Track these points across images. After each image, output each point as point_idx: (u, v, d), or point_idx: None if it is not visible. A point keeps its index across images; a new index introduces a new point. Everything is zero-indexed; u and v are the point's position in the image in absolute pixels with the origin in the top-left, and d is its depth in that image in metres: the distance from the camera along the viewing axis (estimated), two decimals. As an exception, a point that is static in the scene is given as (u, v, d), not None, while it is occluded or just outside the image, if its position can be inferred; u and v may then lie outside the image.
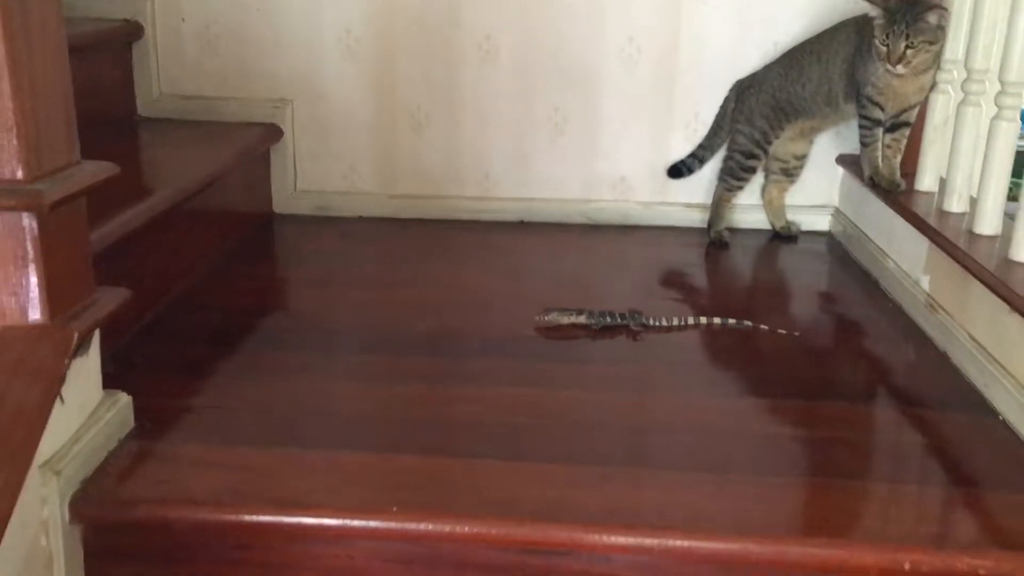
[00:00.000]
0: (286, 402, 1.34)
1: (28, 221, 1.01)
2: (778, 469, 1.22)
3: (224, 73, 2.13)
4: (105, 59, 2.00)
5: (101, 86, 1.99)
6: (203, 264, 1.80)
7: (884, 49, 1.69)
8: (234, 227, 2.02)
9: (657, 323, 1.61)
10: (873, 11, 1.71)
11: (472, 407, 1.35)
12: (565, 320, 1.59)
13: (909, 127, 1.81)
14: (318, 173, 2.19)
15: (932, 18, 1.66)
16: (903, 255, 1.75)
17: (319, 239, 2.10)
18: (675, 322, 1.62)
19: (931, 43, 1.68)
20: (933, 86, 1.77)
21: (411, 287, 1.83)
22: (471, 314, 1.68)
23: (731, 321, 1.62)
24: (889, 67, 1.70)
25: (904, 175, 1.82)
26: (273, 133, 2.12)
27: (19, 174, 1.00)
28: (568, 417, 1.33)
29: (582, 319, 1.59)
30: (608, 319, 1.59)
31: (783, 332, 1.60)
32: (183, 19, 2.10)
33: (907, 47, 1.67)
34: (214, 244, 1.88)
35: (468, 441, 1.26)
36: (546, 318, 1.58)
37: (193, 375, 1.40)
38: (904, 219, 1.72)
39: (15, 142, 0.99)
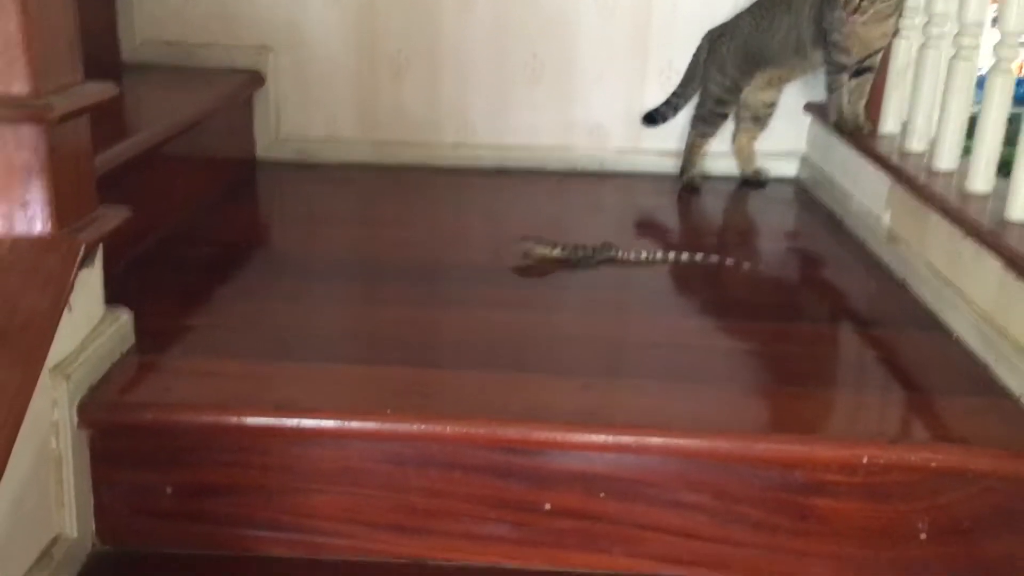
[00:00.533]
0: (278, 322, 1.40)
1: (37, 134, 1.05)
2: (746, 379, 1.30)
3: (206, 19, 2.16)
4: (88, 4, 2.01)
5: (85, 31, 2.00)
6: (190, 204, 1.84)
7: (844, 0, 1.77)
8: (218, 171, 2.06)
9: (627, 256, 1.67)
10: None
11: (456, 327, 1.42)
12: (539, 251, 1.64)
13: (873, 72, 1.89)
14: (300, 120, 2.23)
15: None
16: (866, 194, 1.84)
17: (302, 184, 2.14)
18: (644, 256, 1.68)
19: None
20: (896, 32, 1.84)
21: (392, 226, 1.89)
22: (452, 248, 1.74)
23: (698, 256, 1.69)
24: (847, 16, 1.78)
25: (869, 119, 1.90)
26: (255, 80, 2.16)
27: (27, 89, 1.04)
28: (548, 335, 1.40)
29: (556, 252, 1.64)
30: (581, 252, 1.65)
31: (747, 265, 1.67)
32: (166, -35, 2.13)
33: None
34: (199, 186, 1.92)
35: (453, 355, 1.33)
36: (524, 247, 1.64)
37: (186, 299, 1.46)
38: (868, 159, 1.80)
39: (23, 58, 1.03)
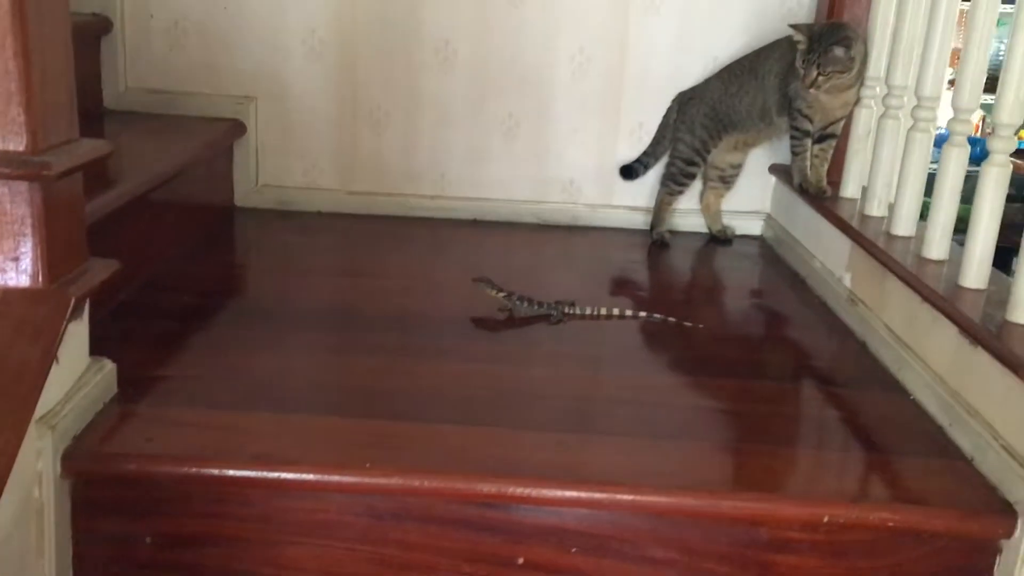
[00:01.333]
0: (257, 372, 1.43)
1: (34, 190, 1.08)
2: (712, 436, 1.35)
3: (190, 69, 2.21)
4: (74, 51, 2.05)
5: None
6: (170, 251, 1.87)
7: (802, 73, 1.86)
8: (197, 218, 2.09)
9: (574, 311, 1.72)
10: (797, 36, 1.87)
11: (431, 378, 1.45)
12: (491, 293, 1.68)
13: (835, 139, 1.97)
14: (280, 169, 2.28)
15: (838, 51, 1.82)
16: (828, 255, 1.91)
17: (280, 232, 2.18)
18: (588, 311, 1.72)
19: (841, 72, 1.84)
20: (857, 101, 1.93)
21: (369, 276, 1.93)
22: (427, 299, 1.78)
23: (642, 313, 1.74)
24: (804, 89, 1.87)
25: (830, 183, 1.98)
26: (237, 128, 2.20)
27: (26, 146, 1.08)
28: (522, 388, 1.44)
29: (500, 296, 1.68)
30: (525, 304, 1.69)
31: (688, 324, 1.71)
32: (151, 15, 2.17)
33: (818, 74, 1.83)
34: (179, 233, 1.95)
35: (429, 408, 1.36)
36: (479, 284, 1.68)
37: (166, 348, 1.48)
38: (830, 222, 1.87)
39: (23, 116, 1.07)
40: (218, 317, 1.65)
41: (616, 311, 1.74)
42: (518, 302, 1.69)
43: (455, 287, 1.84)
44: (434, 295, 1.81)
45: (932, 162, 1.63)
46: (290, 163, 2.28)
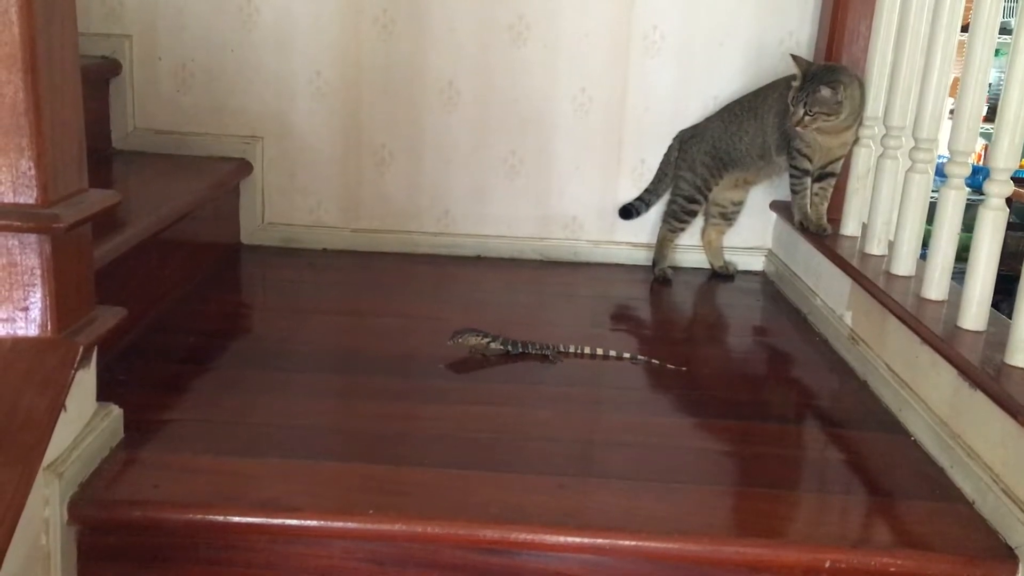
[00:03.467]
0: (262, 415, 1.44)
1: (43, 242, 1.10)
2: (714, 479, 1.35)
3: (197, 110, 2.24)
4: (83, 94, 2.08)
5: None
6: (176, 291, 1.89)
7: (792, 110, 1.89)
8: (204, 257, 2.11)
9: (559, 350, 1.73)
10: (795, 69, 1.91)
11: (434, 422, 1.46)
12: (472, 340, 1.68)
13: (835, 177, 1.99)
14: (285, 206, 2.30)
15: (825, 92, 1.84)
16: (829, 293, 1.92)
17: (285, 269, 2.20)
18: (571, 349, 1.74)
19: (828, 115, 1.86)
20: (856, 140, 1.95)
21: (373, 315, 1.94)
22: (430, 339, 1.78)
23: (626, 354, 1.74)
24: (791, 126, 1.90)
25: (830, 220, 2.00)
26: (243, 168, 2.23)
27: (36, 199, 1.10)
28: (524, 432, 1.45)
29: (486, 341, 1.68)
30: (508, 346, 1.70)
31: (672, 367, 1.70)
32: (160, 58, 2.20)
33: (804, 114, 1.85)
34: (186, 272, 1.97)
35: (432, 452, 1.37)
36: (456, 340, 1.68)
37: (173, 391, 1.49)
38: (830, 260, 1.88)
39: (33, 170, 1.09)
40: (224, 358, 1.66)
41: (600, 351, 1.74)
42: (501, 345, 1.70)
43: (457, 326, 1.85)
44: (437, 334, 1.81)
45: (934, 190, 1.64)
46: (296, 201, 2.30)
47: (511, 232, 2.32)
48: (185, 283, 1.94)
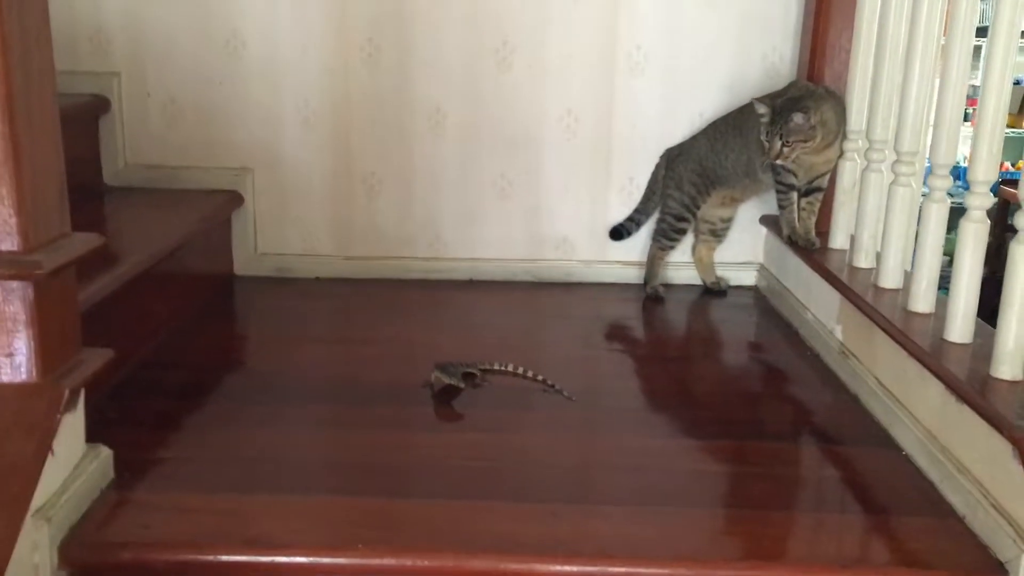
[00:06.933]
0: (252, 451, 1.45)
1: (25, 288, 1.11)
2: (709, 501, 1.35)
3: (187, 144, 2.25)
4: (73, 131, 2.09)
5: (69, 157, 2.05)
6: (168, 326, 1.90)
7: (766, 146, 1.89)
8: (197, 289, 2.12)
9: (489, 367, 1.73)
10: (761, 108, 1.91)
11: (426, 451, 1.47)
12: (442, 379, 1.65)
13: (822, 192, 2.00)
14: (277, 236, 2.31)
15: (797, 118, 1.85)
16: (819, 307, 1.92)
17: (278, 299, 2.21)
18: (496, 366, 1.74)
19: (804, 140, 1.86)
20: (841, 154, 1.96)
21: (365, 343, 1.95)
22: (422, 366, 1.77)
23: (531, 374, 1.72)
24: (770, 160, 1.90)
25: (819, 234, 2.00)
26: (235, 200, 2.24)
27: (17, 246, 1.11)
28: (516, 459, 1.45)
29: (454, 381, 1.64)
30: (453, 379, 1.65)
31: (566, 395, 1.66)
32: (148, 94, 2.22)
33: (783, 145, 1.86)
34: (179, 305, 1.98)
35: (423, 483, 1.37)
36: (432, 375, 1.66)
37: (164, 428, 1.50)
38: (819, 274, 1.89)
39: (14, 217, 1.10)
40: (216, 393, 1.67)
41: (509, 367, 1.73)
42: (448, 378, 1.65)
43: (449, 352, 1.85)
44: (428, 361, 1.81)
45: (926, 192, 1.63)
46: (288, 231, 2.31)
47: (503, 255, 2.33)
48: (178, 316, 1.95)
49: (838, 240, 1.96)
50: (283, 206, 2.30)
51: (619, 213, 2.30)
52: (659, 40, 2.21)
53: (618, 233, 2.27)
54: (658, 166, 2.24)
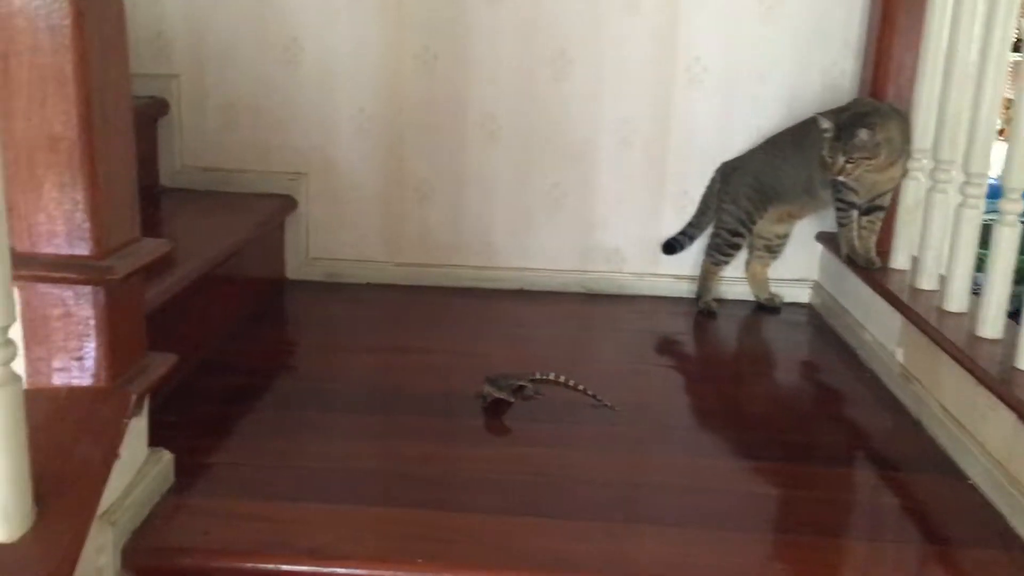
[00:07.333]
0: (307, 458, 1.45)
1: (97, 293, 1.12)
2: (764, 526, 1.33)
3: (243, 147, 2.27)
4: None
5: (129, 158, 2.12)
6: (223, 329, 1.91)
7: (829, 161, 1.85)
8: (250, 292, 2.13)
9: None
10: (825, 123, 1.87)
11: (477, 464, 1.46)
12: (493, 392, 1.64)
13: (883, 211, 1.96)
14: (329, 242, 2.32)
15: (863, 135, 1.81)
16: (879, 328, 1.89)
17: (329, 304, 2.22)
18: (538, 375, 1.72)
19: (869, 158, 1.83)
20: (904, 173, 1.92)
21: (416, 351, 1.94)
22: (472, 376, 1.76)
23: (581, 387, 1.70)
24: (831, 176, 1.86)
25: (879, 253, 1.97)
26: (288, 204, 2.25)
27: (91, 251, 1.12)
28: (567, 474, 1.44)
29: (504, 395, 1.64)
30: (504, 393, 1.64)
31: (608, 405, 1.66)
32: (207, 97, 2.24)
33: (847, 162, 1.82)
34: (232, 308, 1.99)
35: (476, 497, 1.36)
36: (483, 389, 1.65)
37: (220, 433, 1.51)
38: (879, 295, 1.85)
39: (89, 223, 1.11)
40: (268, 399, 1.68)
41: (551, 376, 1.73)
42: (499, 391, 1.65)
43: (500, 363, 1.84)
44: (478, 371, 1.80)
45: (990, 211, 1.60)
46: (339, 236, 2.32)
47: (554, 265, 2.32)
48: (230, 320, 1.96)
49: (899, 260, 1.93)
50: (336, 211, 2.31)
51: (672, 226, 2.28)
52: (718, 52, 2.19)
53: (671, 247, 2.25)
54: (713, 180, 2.21)
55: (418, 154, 2.27)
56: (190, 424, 1.53)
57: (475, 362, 1.89)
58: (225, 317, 1.94)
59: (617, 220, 2.30)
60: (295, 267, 2.32)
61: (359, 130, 2.26)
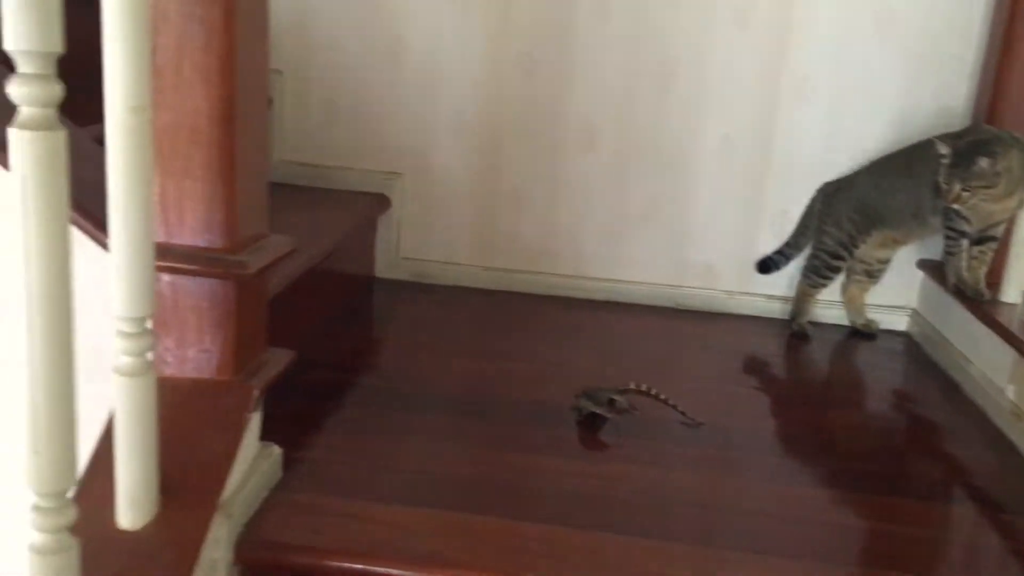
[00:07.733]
0: (407, 460, 1.45)
1: (229, 287, 1.13)
2: (858, 559, 1.28)
3: (341, 144, 2.29)
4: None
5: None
6: (316, 324, 1.92)
7: (944, 188, 1.80)
8: (341, 290, 2.15)
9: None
10: (943, 148, 1.82)
11: (578, 479, 1.43)
12: (588, 406, 1.62)
13: (996, 241, 1.90)
14: (420, 242, 2.33)
15: (983, 163, 1.75)
16: (987, 362, 1.83)
17: (417, 305, 2.22)
18: (631, 385, 1.68)
19: (986, 187, 1.77)
20: (1020, 204, 1.86)
21: (504, 358, 1.93)
22: (562, 386, 1.73)
23: (663, 396, 1.67)
24: (947, 203, 1.81)
25: (989, 285, 1.91)
26: (382, 203, 2.26)
27: (224, 244, 1.12)
28: (660, 494, 1.41)
29: (600, 409, 1.62)
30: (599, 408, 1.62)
31: (690, 417, 1.64)
32: (309, 93, 2.26)
33: (963, 190, 1.77)
34: (325, 305, 2.01)
35: (581, 513, 1.33)
36: (578, 402, 1.63)
37: (319, 430, 1.51)
38: (989, 328, 1.80)
39: (224, 217, 1.12)
40: (358, 397, 1.67)
41: (632, 385, 1.69)
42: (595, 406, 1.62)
43: (587, 374, 1.82)
44: (569, 382, 1.78)
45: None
46: (430, 237, 2.32)
47: (645, 278, 2.29)
48: (323, 316, 1.98)
49: (1010, 294, 1.87)
50: (428, 212, 2.31)
51: (768, 245, 2.24)
52: (826, 70, 2.14)
53: (766, 266, 2.22)
54: (814, 200, 2.17)
55: (514, 159, 2.27)
56: (288, 418, 1.52)
57: (563, 371, 1.88)
58: (318, 313, 1.96)
59: (711, 236, 2.27)
60: (384, 266, 2.33)
61: (456, 132, 2.26)
